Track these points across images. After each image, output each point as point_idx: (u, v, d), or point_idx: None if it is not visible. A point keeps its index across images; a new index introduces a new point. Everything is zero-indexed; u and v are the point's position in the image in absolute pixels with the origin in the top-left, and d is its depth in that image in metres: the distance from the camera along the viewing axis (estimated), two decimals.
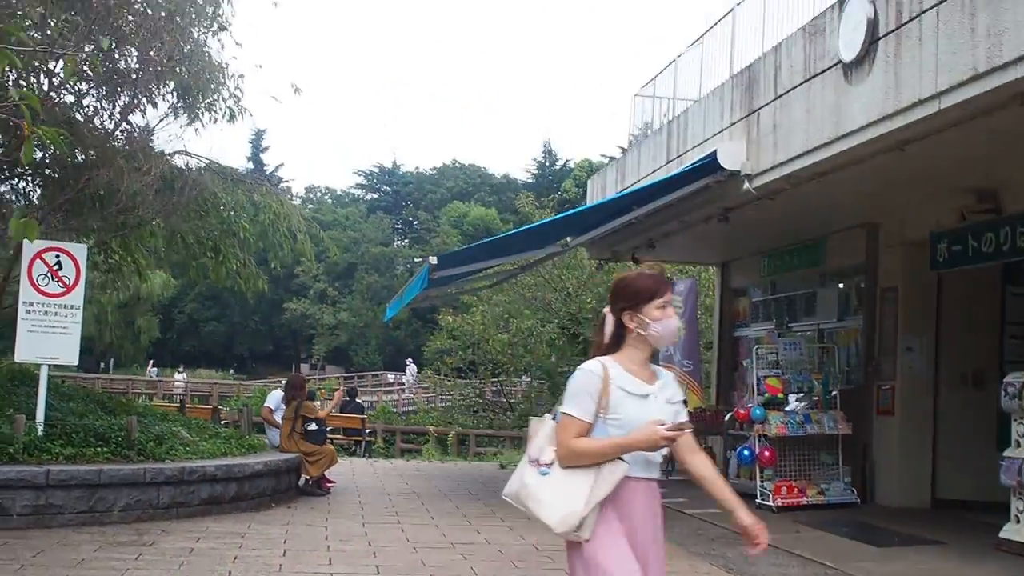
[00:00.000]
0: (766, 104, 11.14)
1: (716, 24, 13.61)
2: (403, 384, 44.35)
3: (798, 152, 10.39)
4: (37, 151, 13.29)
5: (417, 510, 12.50)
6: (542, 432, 3.85)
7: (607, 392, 3.73)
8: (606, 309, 3.94)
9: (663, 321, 3.83)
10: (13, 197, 16.39)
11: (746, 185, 11.46)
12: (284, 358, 70.55)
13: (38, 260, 11.37)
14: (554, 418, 3.84)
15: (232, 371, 63.89)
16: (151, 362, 51.75)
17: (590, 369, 3.78)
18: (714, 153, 11.69)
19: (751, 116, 11.51)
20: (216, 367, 64.63)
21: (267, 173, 61.75)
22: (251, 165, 67.78)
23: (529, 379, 31.34)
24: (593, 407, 3.73)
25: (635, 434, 3.68)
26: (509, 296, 26.43)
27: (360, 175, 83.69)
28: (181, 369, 46.44)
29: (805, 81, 10.29)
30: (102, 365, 55.86)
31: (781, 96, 10.80)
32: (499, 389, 33.45)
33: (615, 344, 3.88)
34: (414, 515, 11.99)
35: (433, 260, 11.58)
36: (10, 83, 11.19)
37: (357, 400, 25.87)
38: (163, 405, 24.30)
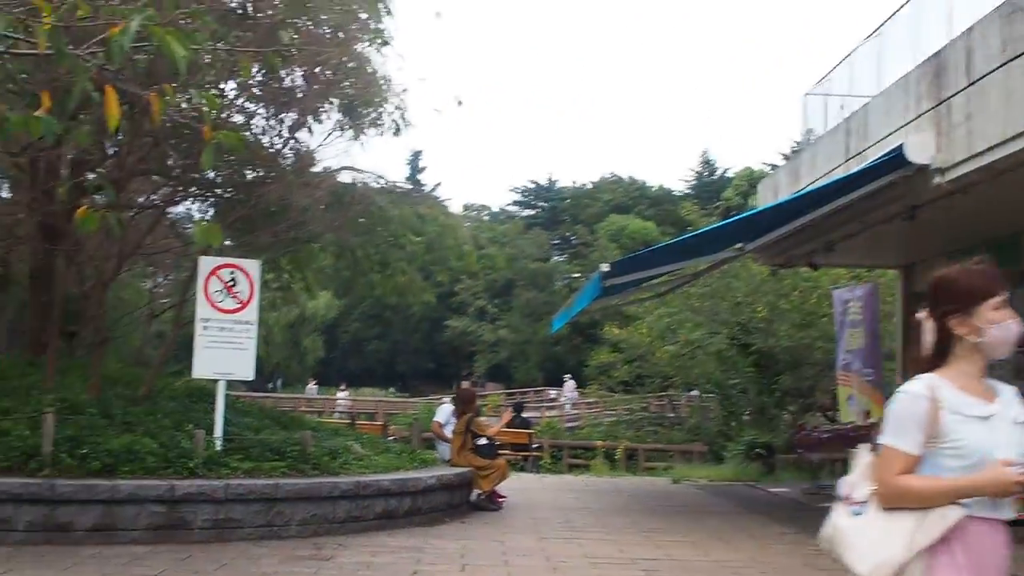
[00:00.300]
0: (957, 92, 10.41)
1: (896, 13, 12.90)
2: (562, 400, 43.97)
3: (996, 141, 9.64)
4: (209, 171, 13.58)
5: (592, 525, 12.14)
6: (857, 465, 3.27)
7: (938, 418, 3.11)
8: (922, 314, 3.30)
9: (1002, 324, 3.16)
10: (187, 218, 16.88)
11: (937, 179, 10.73)
12: (445, 375, 71.16)
13: (214, 277, 11.52)
14: (873, 449, 3.26)
15: (393, 389, 64.78)
16: (313, 380, 52.83)
17: (914, 392, 3.15)
18: (900, 147, 11.01)
19: (940, 106, 10.78)
20: (379, 385, 65.62)
21: (425, 192, 62.56)
22: (409, 185, 68.88)
23: (697, 392, 30.63)
24: (920, 437, 3.11)
25: (979, 478, 3.05)
26: (674, 307, 25.87)
27: (516, 192, 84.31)
28: (343, 387, 47.13)
29: (1003, 64, 9.54)
30: (270, 385, 57.40)
31: (975, 83, 10.06)
32: (666, 403, 32.83)
33: (940, 356, 3.24)
34: (590, 530, 11.63)
35: (605, 267, 11.24)
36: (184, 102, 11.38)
37: (523, 415, 25.71)
38: (333, 421, 24.60)
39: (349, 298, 58.29)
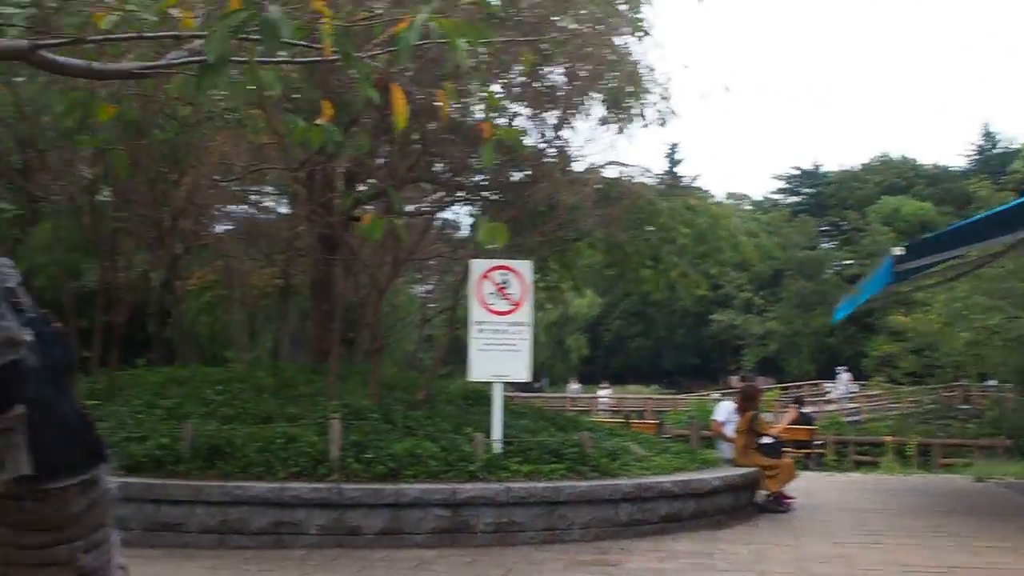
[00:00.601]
0: None
1: None
2: (838, 395, 41.88)
3: None
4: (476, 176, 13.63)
5: (894, 528, 11.27)
6: None
7: None
8: None
9: None
10: (454, 224, 17.12)
11: None
12: (711, 371, 69.94)
13: (486, 279, 11.49)
14: None
15: (656, 385, 64.18)
16: (574, 379, 53.14)
17: None
18: None
19: None
20: (642, 382, 65.26)
21: (687, 184, 61.79)
22: (670, 178, 68.03)
23: (995, 382, 28.38)
24: None
25: None
26: (963, 291, 24.05)
27: (779, 179, 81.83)
28: (605, 385, 47.00)
29: None
30: (536, 385, 58.15)
31: None
32: (958, 394, 30.67)
33: None
34: (891, 534, 10.80)
35: (898, 251, 10.39)
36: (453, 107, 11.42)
37: (803, 410, 24.63)
38: (608, 421, 24.40)
39: (611, 296, 58.43)
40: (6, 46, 2.65)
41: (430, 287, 21.31)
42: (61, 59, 2.70)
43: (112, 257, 14.13)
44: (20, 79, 11.68)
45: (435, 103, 4.24)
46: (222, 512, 9.33)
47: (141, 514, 9.07)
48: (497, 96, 12.61)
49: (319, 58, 3.94)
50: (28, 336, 3.46)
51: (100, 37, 3.03)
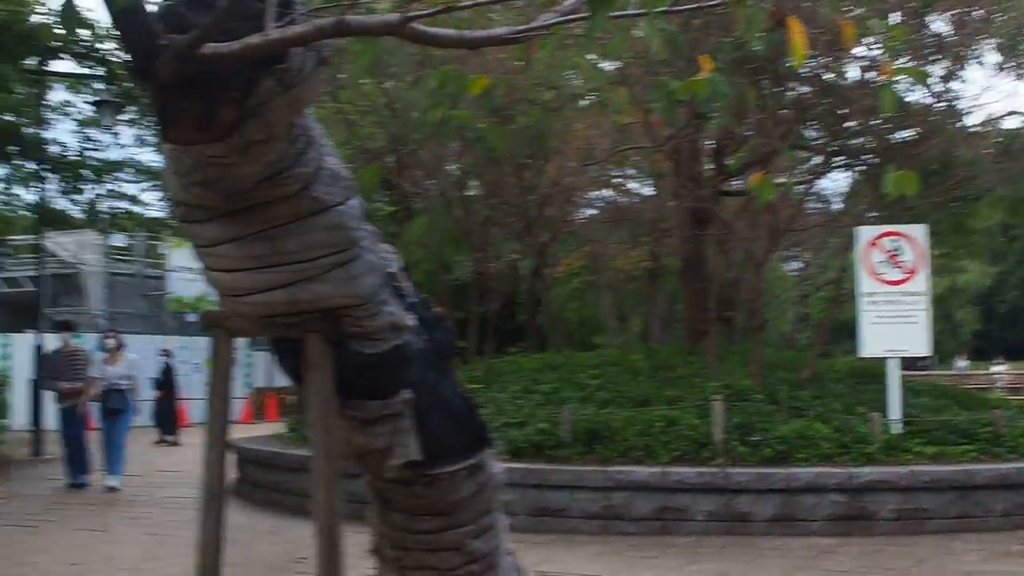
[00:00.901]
0: None
1: None
2: None
3: None
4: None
5: None
6: None
7: None
8: None
9: None
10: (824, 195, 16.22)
11: None
12: None
13: (874, 247, 10.70)
14: None
15: None
16: (961, 354, 49.39)
17: None
18: None
19: None
20: None
21: None
22: None
23: None
24: None
25: None
26: None
27: None
28: (999, 360, 43.24)
29: None
30: (922, 361, 54.70)
31: None
32: None
33: None
34: None
35: None
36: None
37: None
38: (1011, 399, 22.35)
39: (1004, 264, 54.01)
40: (379, 22, 2.48)
41: (803, 264, 20.45)
42: (432, 30, 2.50)
43: (483, 248, 14.49)
44: (389, 83, 12.19)
45: (848, 28, 3.69)
46: (604, 497, 9.21)
47: (525, 499, 9.09)
48: (877, 48, 11.71)
49: (709, 2, 3.49)
50: (411, 321, 3.36)
51: (470, 3, 2.84)
